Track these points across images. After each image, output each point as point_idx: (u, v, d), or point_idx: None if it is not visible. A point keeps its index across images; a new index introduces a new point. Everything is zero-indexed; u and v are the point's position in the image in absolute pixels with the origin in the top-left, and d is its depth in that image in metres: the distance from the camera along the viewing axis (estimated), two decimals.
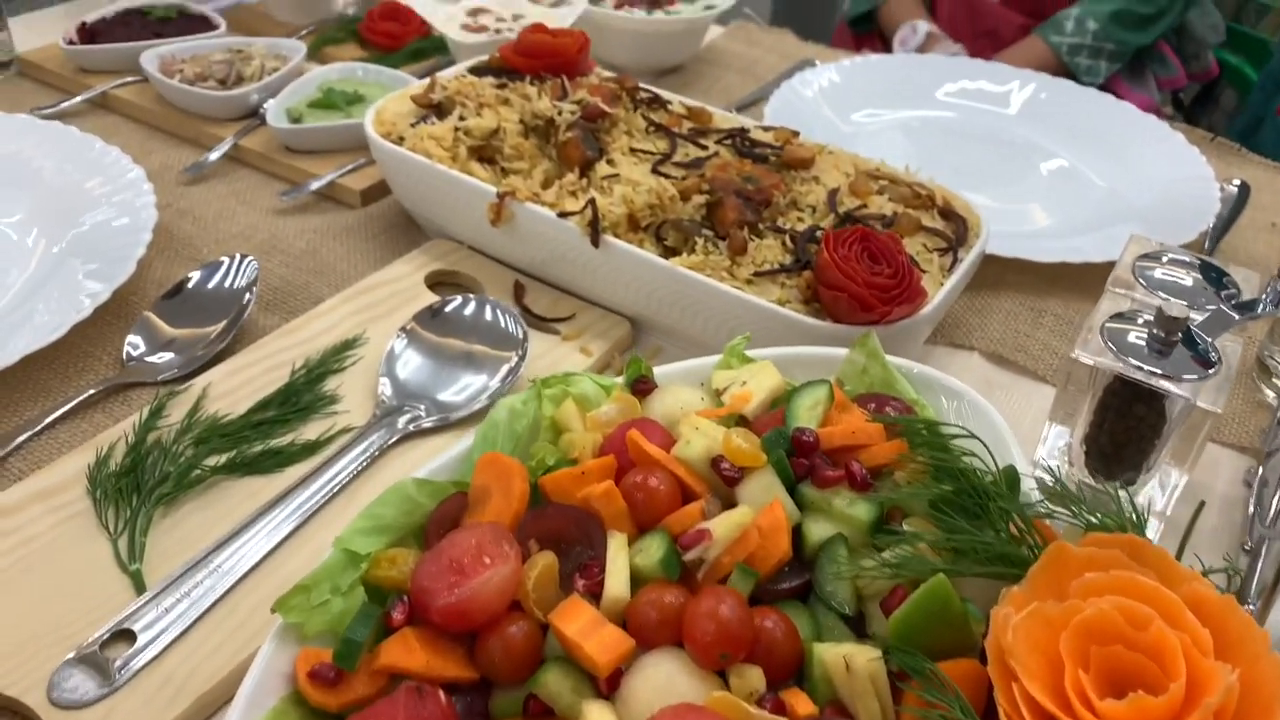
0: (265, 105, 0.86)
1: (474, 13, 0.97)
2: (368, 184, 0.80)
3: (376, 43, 1.01)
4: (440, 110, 0.75)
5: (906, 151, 0.91)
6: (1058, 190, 0.88)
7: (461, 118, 0.73)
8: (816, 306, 0.59)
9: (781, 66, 1.10)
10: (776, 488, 0.42)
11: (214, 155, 0.82)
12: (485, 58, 0.82)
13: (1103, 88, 1.61)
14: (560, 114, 0.72)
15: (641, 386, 0.50)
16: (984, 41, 1.71)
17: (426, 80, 0.78)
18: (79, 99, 0.88)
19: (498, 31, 0.94)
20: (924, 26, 1.66)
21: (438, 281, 0.71)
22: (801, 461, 0.43)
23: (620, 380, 0.51)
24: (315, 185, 0.79)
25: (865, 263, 0.58)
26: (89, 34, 0.94)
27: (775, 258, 0.62)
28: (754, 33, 1.16)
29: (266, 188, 0.81)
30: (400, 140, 0.72)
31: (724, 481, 0.42)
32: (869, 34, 1.85)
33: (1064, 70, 1.59)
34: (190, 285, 0.66)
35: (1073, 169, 0.91)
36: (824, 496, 0.42)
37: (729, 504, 0.42)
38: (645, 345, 0.68)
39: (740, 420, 0.47)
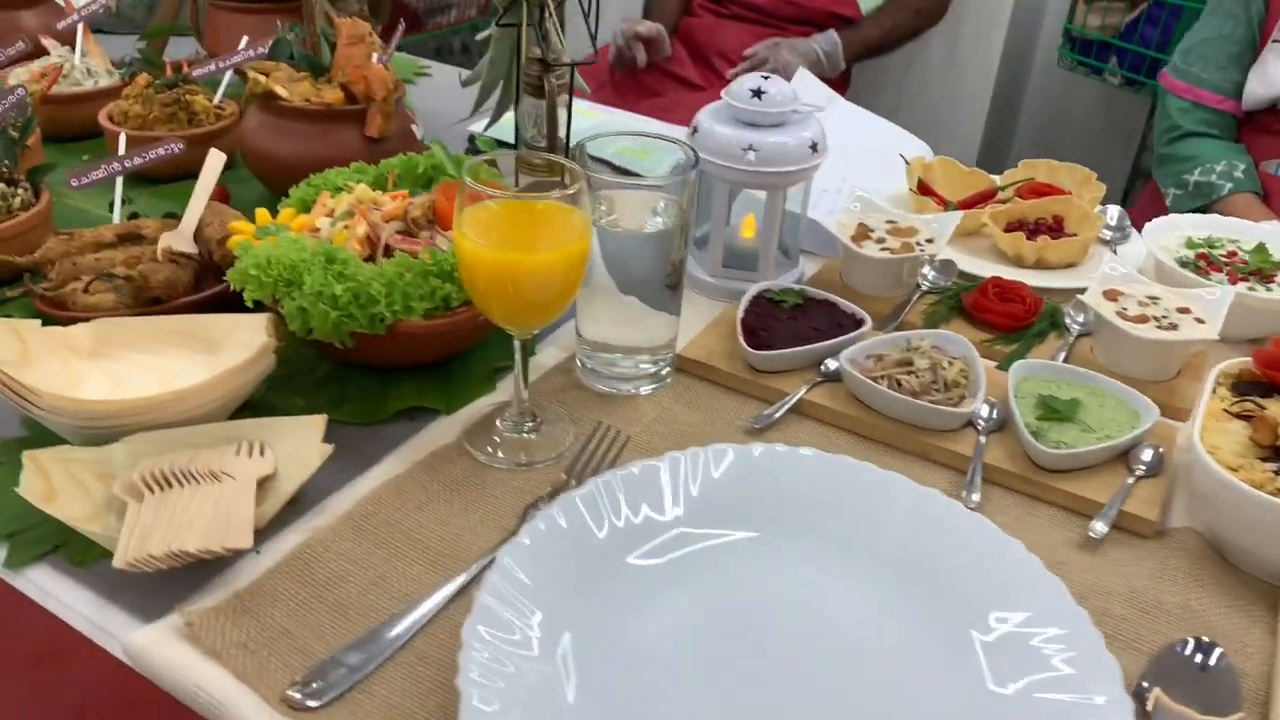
0: (981, 416, 0.86)
1: (1111, 295, 0.97)
2: (1158, 511, 0.78)
3: (991, 321, 1.01)
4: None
5: None
6: None
7: None
8: None
9: None
10: None
11: (974, 482, 0.81)
12: (1233, 368, 0.82)
13: None
14: None
15: None
16: None
17: (1239, 407, 0.77)
18: (784, 408, 0.88)
19: (1158, 322, 0.93)
20: None
21: None
22: None
23: None
24: (1108, 519, 0.77)
25: None
26: (748, 330, 0.94)
27: None
28: None
29: (1038, 514, 0.79)
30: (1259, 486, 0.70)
31: None
32: None
33: None
34: None
35: None
36: None
37: None
38: None
39: None
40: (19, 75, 1.33)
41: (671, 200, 0.86)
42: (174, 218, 1.08)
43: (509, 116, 1.27)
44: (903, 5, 2.37)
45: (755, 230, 1.09)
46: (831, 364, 0.91)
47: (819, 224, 1.09)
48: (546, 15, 1.02)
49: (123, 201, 1.05)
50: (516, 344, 0.80)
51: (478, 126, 1.43)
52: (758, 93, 0.99)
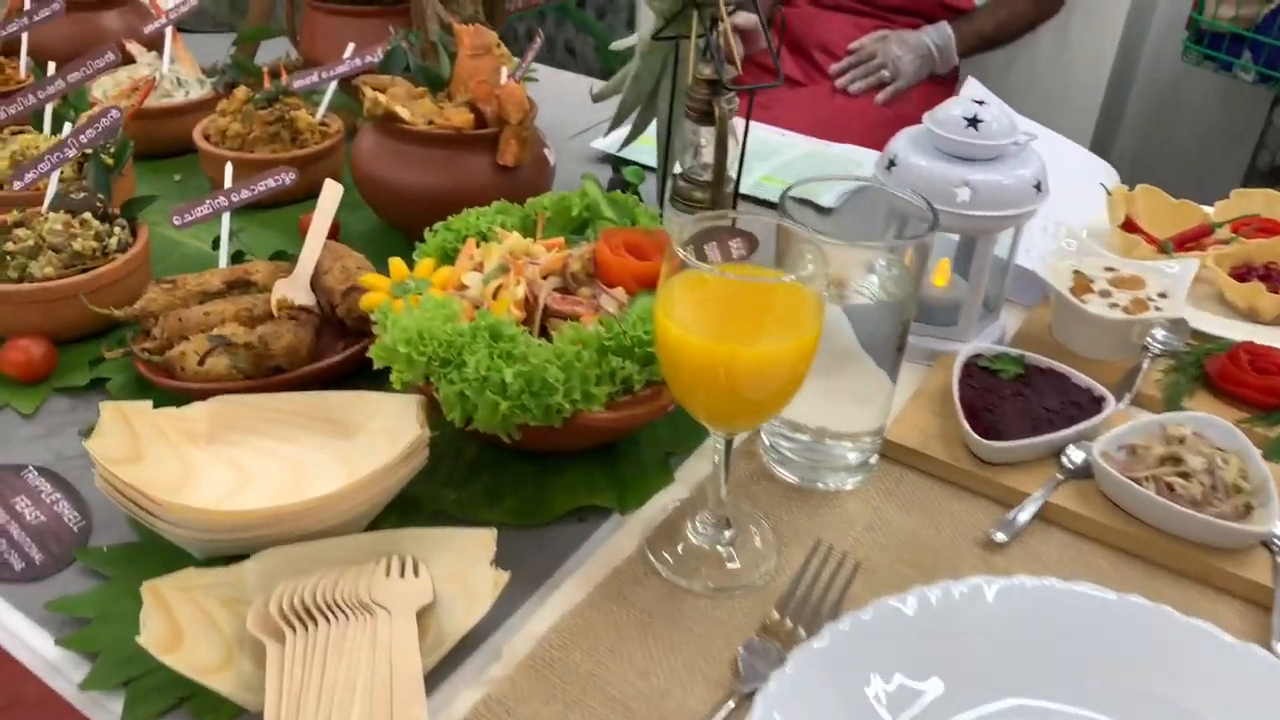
0: (1277, 535, 0.70)
1: None
2: None
3: (1244, 396, 0.85)
4: None
5: None
6: None
7: None
8: None
9: None
10: None
11: None
12: None
13: None
14: None
15: None
16: None
17: None
18: (1027, 514, 0.73)
19: None
20: None
21: None
22: None
23: None
24: None
25: None
26: (969, 411, 0.79)
27: None
28: None
29: None
30: None
31: None
32: None
33: None
34: None
35: None
36: None
37: None
38: None
39: None
40: (104, 86, 1.20)
41: (894, 259, 0.71)
42: (284, 257, 0.95)
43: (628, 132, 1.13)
44: None
45: (949, 277, 0.94)
46: (1076, 455, 0.76)
47: (1028, 272, 0.94)
48: (720, 29, 0.88)
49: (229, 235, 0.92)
50: (720, 442, 0.66)
51: (602, 142, 1.29)
52: (973, 121, 0.83)
